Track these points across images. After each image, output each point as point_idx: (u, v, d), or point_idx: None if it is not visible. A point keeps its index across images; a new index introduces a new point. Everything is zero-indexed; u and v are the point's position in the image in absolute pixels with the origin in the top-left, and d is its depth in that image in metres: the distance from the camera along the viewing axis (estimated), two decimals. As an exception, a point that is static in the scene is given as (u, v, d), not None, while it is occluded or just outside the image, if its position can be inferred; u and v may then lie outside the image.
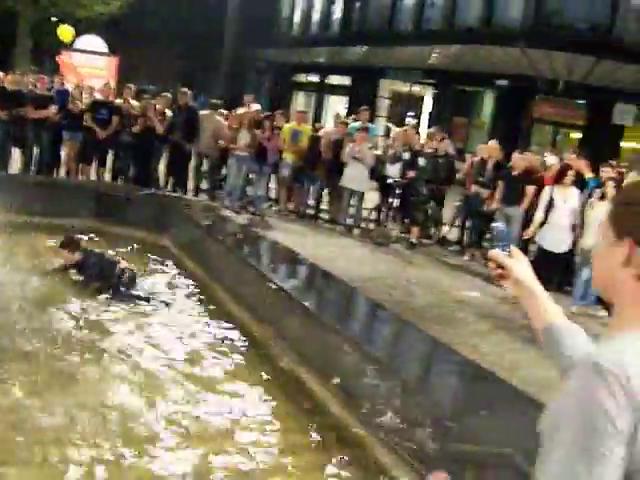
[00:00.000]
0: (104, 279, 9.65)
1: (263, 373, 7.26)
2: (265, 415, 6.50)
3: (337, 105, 36.74)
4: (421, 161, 15.60)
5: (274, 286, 8.59)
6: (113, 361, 7.25)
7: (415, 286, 12.35)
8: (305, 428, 6.24)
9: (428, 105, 32.37)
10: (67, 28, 27.85)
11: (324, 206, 17.69)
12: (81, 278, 9.60)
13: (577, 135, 27.28)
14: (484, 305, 11.80)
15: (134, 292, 9.76)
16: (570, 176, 12.61)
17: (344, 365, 6.79)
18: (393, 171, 16.03)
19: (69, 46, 27.04)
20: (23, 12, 33.37)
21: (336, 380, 6.45)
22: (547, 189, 12.81)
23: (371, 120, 19.55)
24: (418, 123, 28.74)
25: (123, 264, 9.86)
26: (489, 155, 15.36)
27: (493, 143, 15.68)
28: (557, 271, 12.72)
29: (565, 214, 12.47)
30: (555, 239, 12.54)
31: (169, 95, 18.18)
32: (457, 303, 11.73)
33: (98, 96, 17.34)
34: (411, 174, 15.50)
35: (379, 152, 16.76)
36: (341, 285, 9.41)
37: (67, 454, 5.41)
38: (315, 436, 6.11)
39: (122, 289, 9.54)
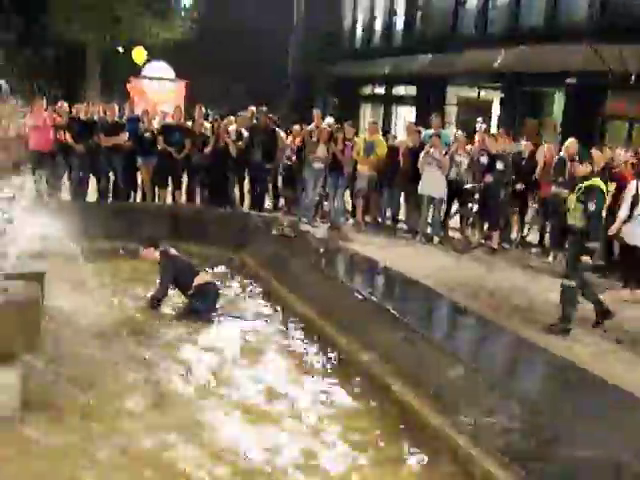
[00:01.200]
0: (181, 283, 9.90)
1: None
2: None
3: (405, 115, 36.53)
4: (499, 165, 15.31)
5: (366, 298, 8.46)
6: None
7: (501, 291, 12.12)
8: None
9: (497, 109, 31.95)
10: (141, 50, 28.25)
11: (401, 217, 17.52)
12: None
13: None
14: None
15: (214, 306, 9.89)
16: (657, 169, 12.25)
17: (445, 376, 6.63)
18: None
19: (139, 71, 27.40)
20: (92, 43, 33.88)
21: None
22: (633, 183, 12.46)
23: (442, 127, 19.28)
24: (489, 127, 28.37)
25: (203, 278, 10.01)
26: (569, 153, 14.99)
27: (571, 141, 15.27)
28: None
29: (652, 209, 12.12)
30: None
31: (246, 114, 18.23)
32: (544, 305, 11.45)
33: (169, 120, 17.45)
34: (489, 178, 15.23)
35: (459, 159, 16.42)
36: (431, 294, 9.23)
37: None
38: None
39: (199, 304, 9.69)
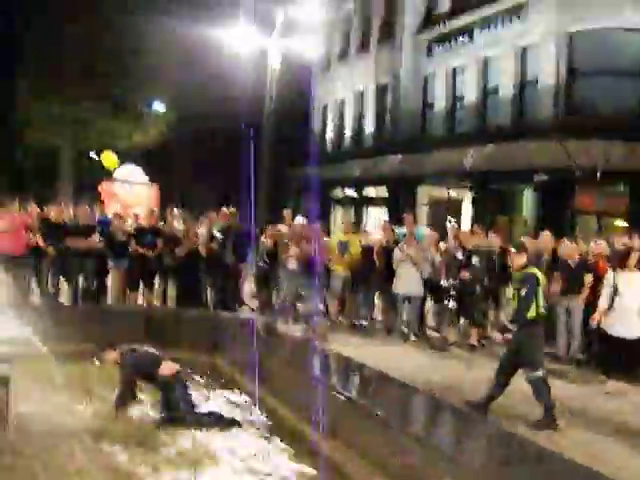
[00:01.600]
0: (145, 375, 9.67)
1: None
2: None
3: (377, 216, 36.57)
4: (474, 260, 15.22)
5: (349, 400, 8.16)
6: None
7: (482, 387, 11.84)
8: None
9: (468, 208, 32.09)
10: (111, 154, 28.26)
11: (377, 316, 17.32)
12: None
13: (622, 222, 26.78)
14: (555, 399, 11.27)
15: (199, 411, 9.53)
16: (634, 259, 12.17)
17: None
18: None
19: (111, 175, 27.42)
20: (63, 147, 34.01)
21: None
22: (610, 274, 12.38)
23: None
24: (459, 227, 28.44)
25: (168, 366, 9.74)
26: (545, 247, 14.97)
27: (546, 234, 15.28)
28: (630, 357, 12.16)
29: (632, 298, 11.99)
30: (625, 325, 12.03)
31: (215, 215, 18.15)
32: (526, 400, 11.20)
33: (142, 222, 17.35)
34: (466, 275, 15.11)
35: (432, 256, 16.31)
36: (416, 393, 8.93)
37: None
38: None
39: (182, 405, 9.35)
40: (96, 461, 7.47)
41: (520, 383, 10.45)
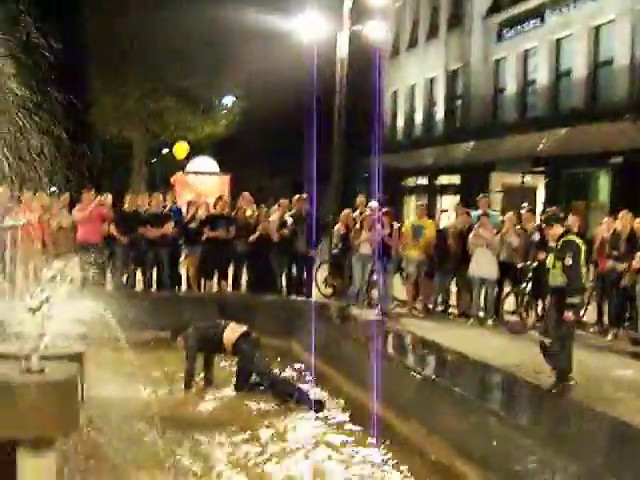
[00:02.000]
0: (212, 346, 9.64)
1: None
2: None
3: (450, 204, 36.21)
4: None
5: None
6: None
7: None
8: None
9: (542, 194, 31.60)
10: (182, 144, 28.47)
11: (452, 301, 17.09)
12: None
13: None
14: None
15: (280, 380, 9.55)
16: None
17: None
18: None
19: (182, 168, 27.64)
20: (137, 141, 34.41)
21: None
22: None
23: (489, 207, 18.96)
24: (534, 213, 28.00)
25: (232, 329, 9.63)
26: (623, 226, 14.62)
27: (626, 213, 14.92)
28: None
29: None
30: None
31: (286, 202, 18.08)
32: (611, 382, 10.94)
33: (213, 210, 17.38)
34: (541, 256, 14.80)
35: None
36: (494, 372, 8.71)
37: None
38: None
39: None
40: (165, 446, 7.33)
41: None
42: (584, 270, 10.44)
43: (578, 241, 10.40)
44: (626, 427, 6.42)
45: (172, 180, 25.71)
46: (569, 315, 10.17)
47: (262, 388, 9.40)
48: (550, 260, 10.72)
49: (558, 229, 10.69)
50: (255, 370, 9.53)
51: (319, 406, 8.98)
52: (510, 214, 16.85)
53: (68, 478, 6.25)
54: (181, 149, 28.16)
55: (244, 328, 9.72)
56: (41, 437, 5.74)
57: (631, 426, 6.45)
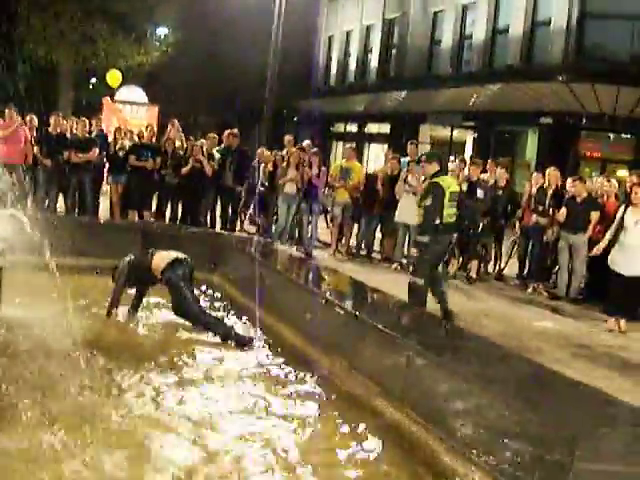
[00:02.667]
0: (141, 276, 9.13)
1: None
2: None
3: (378, 153, 36.25)
4: (479, 193, 15.02)
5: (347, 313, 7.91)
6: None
7: (482, 318, 11.73)
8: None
9: (470, 149, 31.79)
10: (116, 72, 27.83)
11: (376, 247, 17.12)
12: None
13: (624, 171, 26.53)
14: (559, 335, 11.17)
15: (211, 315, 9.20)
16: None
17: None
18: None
19: (112, 94, 27.09)
20: (65, 63, 33.59)
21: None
22: (621, 209, 12.15)
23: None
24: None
25: (161, 257, 9.07)
26: (549, 182, 14.77)
27: (553, 170, 15.06)
28: (632, 295, 11.97)
29: (637, 235, 11.77)
30: (627, 262, 11.83)
31: (216, 136, 17.81)
32: (529, 333, 11.10)
33: (140, 140, 17.10)
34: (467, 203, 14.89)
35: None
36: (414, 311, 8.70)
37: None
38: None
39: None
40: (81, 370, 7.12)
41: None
42: (450, 212, 10.50)
43: (443, 184, 10.49)
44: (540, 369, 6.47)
45: (102, 104, 25.05)
46: (413, 251, 10.69)
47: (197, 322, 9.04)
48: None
49: (433, 167, 10.68)
50: (180, 302, 8.93)
51: (247, 342, 8.80)
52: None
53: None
54: (114, 77, 27.46)
55: (176, 255, 9.10)
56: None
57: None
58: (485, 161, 17.01)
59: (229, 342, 8.59)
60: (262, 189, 17.43)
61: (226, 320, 9.51)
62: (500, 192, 15.52)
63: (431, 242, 10.39)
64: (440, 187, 10.40)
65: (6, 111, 16.14)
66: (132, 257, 9.14)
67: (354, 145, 27.20)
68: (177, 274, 8.91)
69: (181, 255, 9.13)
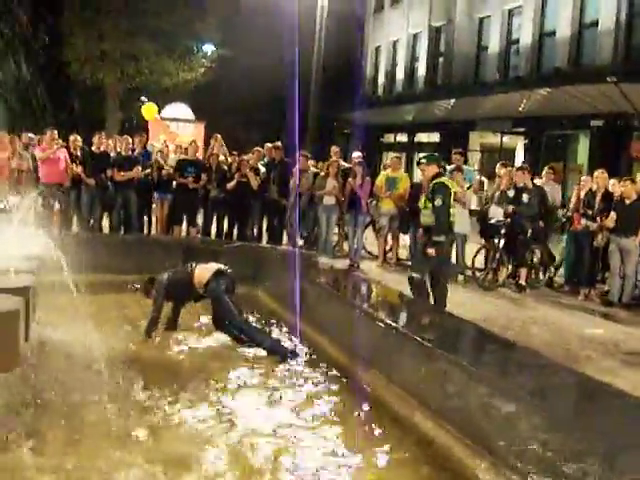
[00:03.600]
0: (182, 292, 8.99)
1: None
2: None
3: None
4: (525, 197, 14.72)
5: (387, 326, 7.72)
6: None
7: (531, 326, 11.46)
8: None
9: (520, 155, 31.41)
10: (152, 105, 27.85)
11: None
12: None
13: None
14: (609, 342, 10.84)
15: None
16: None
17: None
18: (496, 213, 15.18)
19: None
20: (109, 83, 33.94)
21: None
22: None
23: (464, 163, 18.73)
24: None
25: (201, 270, 8.96)
26: (598, 185, 14.45)
27: (601, 172, 14.73)
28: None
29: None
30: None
31: (261, 149, 17.76)
32: (578, 341, 10.80)
33: (184, 156, 17.13)
34: (511, 209, 14.63)
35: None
36: (459, 323, 8.45)
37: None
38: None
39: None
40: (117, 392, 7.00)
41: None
42: (453, 211, 10.94)
43: (448, 184, 10.89)
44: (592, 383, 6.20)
45: (149, 125, 25.08)
46: (431, 251, 10.68)
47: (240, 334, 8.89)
48: (422, 201, 11.19)
49: (432, 170, 10.97)
50: (225, 314, 8.82)
51: (292, 355, 8.62)
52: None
53: (10, 416, 6.01)
54: (150, 110, 27.37)
55: (217, 266, 9.02)
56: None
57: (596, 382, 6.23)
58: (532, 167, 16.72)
59: (273, 354, 8.44)
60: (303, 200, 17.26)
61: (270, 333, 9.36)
62: (546, 196, 15.26)
63: (445, 241, 10.81)
64: (447, 188, 10.74)
65: (48, 133, 16.18)
66: (170, 274, 9.01)
67: (403, 155, 27.01)
68: (220, 286, 8.82)
69: (222, 266, 9.05)
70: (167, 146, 17.99)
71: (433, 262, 10.86)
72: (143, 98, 38.58)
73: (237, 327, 8.77)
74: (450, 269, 11.30)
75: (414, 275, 10.95)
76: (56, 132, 16.33)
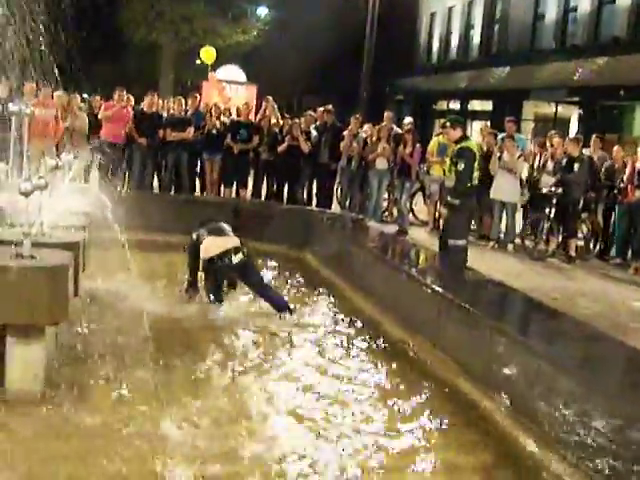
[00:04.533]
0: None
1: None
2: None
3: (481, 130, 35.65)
4: (576, 167, 14.53)
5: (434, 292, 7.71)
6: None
7: (580, 297, 11.37)
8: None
9: (575, 125, 30.97)
10: (210, 49, 28.02)
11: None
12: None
13: None
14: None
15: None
16: None
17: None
18: (547, 183, 15.04)
19: (210, 68, 27.31)
20: (165, 44, 34.13)
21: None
22: None
23: (518, 131, 18.53)
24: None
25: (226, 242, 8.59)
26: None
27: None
28: None
29: None
30: None
31: (312, 114, 17.72)
32: (626, 313, 10.70)
33: (236, 117, 17.15)
34: (566, 178, 14.47)
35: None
36: (505, 290, 8.39)
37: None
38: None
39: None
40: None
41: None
42: (477, 175, 10.67)
43: (473, 148, 10.71)
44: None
45: (208, 79, 25.00)
46: (444, 211, 10.89)
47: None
48: (447, 165, 11.24)
49: (457, 133, 10.73)
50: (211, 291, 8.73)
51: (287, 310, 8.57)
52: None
53: (57, 369, 6.12)
54: (208, 54, 27.63)
55: (229, 245, 8.53)
56: (29, 324, 5.60)
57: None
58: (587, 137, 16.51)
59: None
60: (353, 165, 17.17)
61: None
62: (598, 166, 15.11)
63: (462, 204, 10.54)
64: (472, 151, 10.57)
65: (116, 93, 16.51)
66: (198, 233, 8.82)
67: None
68: (222, 269, 8.57)
69: (236, 244, 8.62)
70: (218, 107, 17.90)
71: (457, 224, 10.76)
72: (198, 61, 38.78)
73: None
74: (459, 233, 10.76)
75: (456, 242, 10.62)
76: (125, 91, 16.64)
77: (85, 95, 18.20)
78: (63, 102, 16.19)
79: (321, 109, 17.78)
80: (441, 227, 11.89)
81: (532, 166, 15.86)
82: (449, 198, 10.72)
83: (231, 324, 8.18)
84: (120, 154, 16.03)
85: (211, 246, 8.49)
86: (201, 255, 8.58)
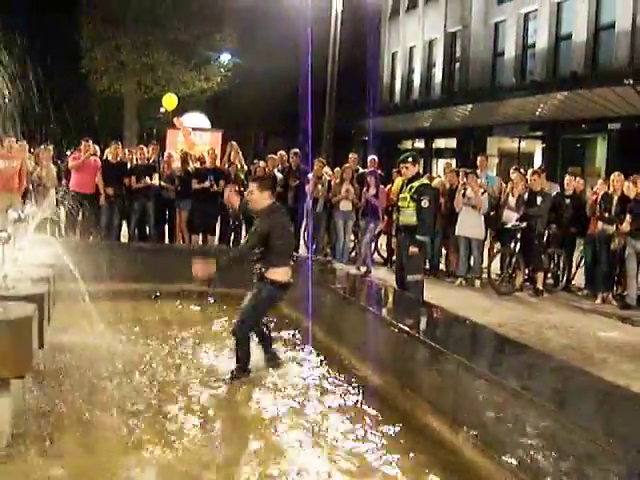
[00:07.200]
0: None
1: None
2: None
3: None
4: (539, 200, 14.68)
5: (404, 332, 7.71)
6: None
7: (548, 330, 11.44)
8: None
9: (538, 159, 31.34)
10: (171, 96, 28.13)
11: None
12: None
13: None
14: (626, 345, 10.82)
15: None
16: None
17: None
18: (510, 218, 15.15)
19: (173, 115, 27.37)
20: (127, 93, 34.25)
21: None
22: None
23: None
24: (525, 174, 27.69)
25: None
26: (614, 188, 14.41)
27: (617, 175, 14.69)
28: None
29: None
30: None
31: (275, 157, 17.80)
32: (595, 344, 10.78)
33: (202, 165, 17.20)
34: (526, 210, 14.62)
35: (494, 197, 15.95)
36: (475, 328, 8.41)
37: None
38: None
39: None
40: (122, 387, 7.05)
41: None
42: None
43: (433, 185, 11.42)
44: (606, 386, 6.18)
45: (174, 124, 25.01)
46: (414, 250, 10.85)
47: None
48: (404, 201, 11.11)
49: (415, 169, 11.03)
50: None
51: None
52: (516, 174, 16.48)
53: (26, 422, 6.08)
54: (170, 100, 27.74)
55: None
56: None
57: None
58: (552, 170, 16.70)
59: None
60: (319, 209, 17.25)
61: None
62: (567, 201, 15.25)
63: (416, 241, 10.86)
64: (433, 189, 11.09)
65: (82, 143, 16.45)
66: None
67: (420, 161, 26.90)
68: None
69: None
70: (188, 154, 17.88)
71: (415, 261, 11.04)
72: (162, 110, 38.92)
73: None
74: (419, 269, 11.27)
75: (415, 277, 11.01)
76: (90, 142, 16.56)
77: (50, 145, 18.09)
78: (26, 152, 16.16)
79: (282, 153, 17.87)
80: (397, 264, 12.19)
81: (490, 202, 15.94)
82: (418, 236, 10.85)
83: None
84: (90, 204, 15.99)
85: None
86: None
